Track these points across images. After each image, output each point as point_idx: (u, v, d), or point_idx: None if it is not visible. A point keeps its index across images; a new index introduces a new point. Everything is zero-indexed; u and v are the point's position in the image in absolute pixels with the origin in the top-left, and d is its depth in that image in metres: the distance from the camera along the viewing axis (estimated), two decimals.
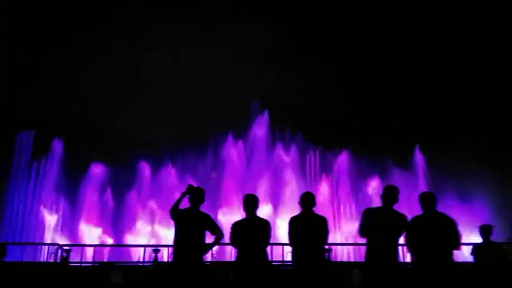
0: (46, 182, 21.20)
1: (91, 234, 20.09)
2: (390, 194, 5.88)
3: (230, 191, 21.90)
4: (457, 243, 5.59)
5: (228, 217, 19.11)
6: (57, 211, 20.37)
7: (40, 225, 19.56)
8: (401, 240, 5.83)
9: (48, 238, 18.92)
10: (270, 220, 6.39)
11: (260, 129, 24.30)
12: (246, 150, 23.72)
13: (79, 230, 19.97)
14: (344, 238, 20.95)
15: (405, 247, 10.07)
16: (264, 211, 18.22)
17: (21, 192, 20.65)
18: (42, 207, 20.19)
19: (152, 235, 20.38)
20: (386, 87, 28.36)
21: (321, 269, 5.88)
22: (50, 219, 20.11)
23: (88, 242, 18.39)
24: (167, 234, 18.88)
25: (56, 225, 19.94)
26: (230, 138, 23.82)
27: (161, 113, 25.75)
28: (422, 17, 29.70)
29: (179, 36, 28.14)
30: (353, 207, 22.24)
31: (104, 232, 20.55)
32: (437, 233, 5.55)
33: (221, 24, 29.07)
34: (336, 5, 30.28)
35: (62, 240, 18.97)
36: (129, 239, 19.95)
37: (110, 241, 19.97)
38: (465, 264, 8.84)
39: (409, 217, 5.83)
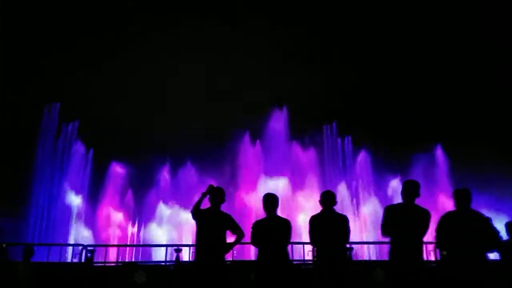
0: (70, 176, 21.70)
1: (114, 220, 20.61)
2: (410, 189, 5.71)
3: (246, 191, 21.99)
4: (493, 244, 5.41)
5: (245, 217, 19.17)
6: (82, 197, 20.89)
7: (66, 213, 20.07)
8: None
9: (73, 228, 19.54)
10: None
11: (277, 125, 24.27)
12: (263, 148, 23.71)
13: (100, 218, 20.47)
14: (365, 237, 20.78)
15: (429, 245, 9.89)
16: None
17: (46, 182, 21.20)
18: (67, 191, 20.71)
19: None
20: (389, 87, 27.99)
21: (343, 269, 5.83)
22: (76, 204, 20.60)
23: (110, 231, 19.05)
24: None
25: (80, 215, 20.43)
26: (247, 138, 23.86)
27: (182, 114, 25.86)
28: (424, 18, 29.25)
29: (204, 39, 28.33)
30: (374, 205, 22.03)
31: (125, 218, 21.04)
32: (472, 231, 5.37)
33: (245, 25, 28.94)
34: (337, 7, 30.05)
35: (85, 232, 19.60)
36: (152, 227, 20.41)
37: (131, 229, 20.54)
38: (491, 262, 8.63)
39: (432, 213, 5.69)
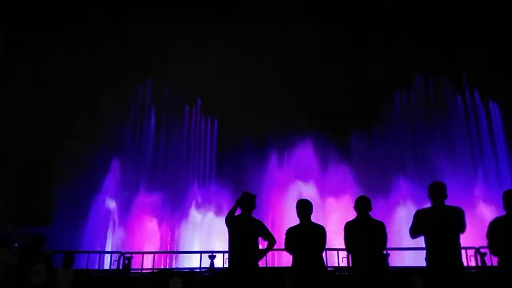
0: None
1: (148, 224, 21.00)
2: (436, 191, 5.52)
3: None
4: None
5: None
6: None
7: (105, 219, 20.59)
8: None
9: (111, 235, 20.04)
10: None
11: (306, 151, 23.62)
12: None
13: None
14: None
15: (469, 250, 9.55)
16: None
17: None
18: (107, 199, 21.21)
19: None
20: None
21: (382, 276, 5.73)
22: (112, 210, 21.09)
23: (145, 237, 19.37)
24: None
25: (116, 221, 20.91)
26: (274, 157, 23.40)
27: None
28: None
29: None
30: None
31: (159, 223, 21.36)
32: None
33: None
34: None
35: (121, 234, 20.06)
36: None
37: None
38: None
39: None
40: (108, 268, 12.95)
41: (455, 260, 5.29)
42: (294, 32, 27.68)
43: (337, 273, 10.37)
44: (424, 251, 5.56)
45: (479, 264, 10.07)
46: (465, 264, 9.75)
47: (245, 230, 6.12)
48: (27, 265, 8.51)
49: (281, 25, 27.81)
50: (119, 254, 11.39)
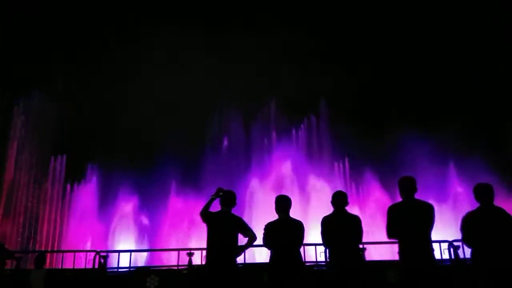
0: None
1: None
2: (406, 186, 5.62)
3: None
4: None
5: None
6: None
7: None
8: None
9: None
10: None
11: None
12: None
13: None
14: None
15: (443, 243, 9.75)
16: None
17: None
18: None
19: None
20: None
21: (357, 270, 5.79)
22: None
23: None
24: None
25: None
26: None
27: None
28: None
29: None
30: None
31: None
32: (499, 228, 5.17)
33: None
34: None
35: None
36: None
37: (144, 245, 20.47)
38: None
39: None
40: (83, 267, 12.68)
41: (426, 253, 5.38)
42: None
43: (315, 268, 10.45)
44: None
45: (452, 257, 10.30)
46: (438, 257, 10.06)
47: (224, 226, 6.08)
48: None
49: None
50: (94, 253, 11.17)
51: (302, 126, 24.96)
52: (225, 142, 24.43)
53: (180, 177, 22.24)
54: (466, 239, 5.44)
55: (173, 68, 26.51)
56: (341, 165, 23.44)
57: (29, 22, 27.00)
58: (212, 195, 6.30)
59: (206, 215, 6.17)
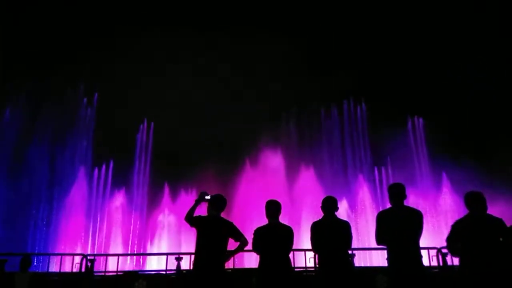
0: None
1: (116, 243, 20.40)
2: (395, 192, 5.63)
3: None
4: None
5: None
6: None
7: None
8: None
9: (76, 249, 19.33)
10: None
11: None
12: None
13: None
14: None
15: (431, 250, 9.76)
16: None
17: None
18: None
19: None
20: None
21: (347, 275, 5.76)
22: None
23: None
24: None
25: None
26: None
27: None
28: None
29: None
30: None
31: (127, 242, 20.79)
32: (486, 235, 5.16)
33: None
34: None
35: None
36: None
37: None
38: None
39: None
40: (70, 271, 12.48)
41: (415, 259, 5.37)
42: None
43: (304, 274, 10.41)
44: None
45: (441, 263, 10.34)
46: (427, 263, 10.08)
47: (212, 231, 6.01)
48: None
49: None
50: (81, 257, 11.01)
51: None
52: None
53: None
54: (450, 248, 5.48)
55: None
56: None
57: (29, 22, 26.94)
58: (196, 199, 6.23)
59: (193, 219, 6.07)
